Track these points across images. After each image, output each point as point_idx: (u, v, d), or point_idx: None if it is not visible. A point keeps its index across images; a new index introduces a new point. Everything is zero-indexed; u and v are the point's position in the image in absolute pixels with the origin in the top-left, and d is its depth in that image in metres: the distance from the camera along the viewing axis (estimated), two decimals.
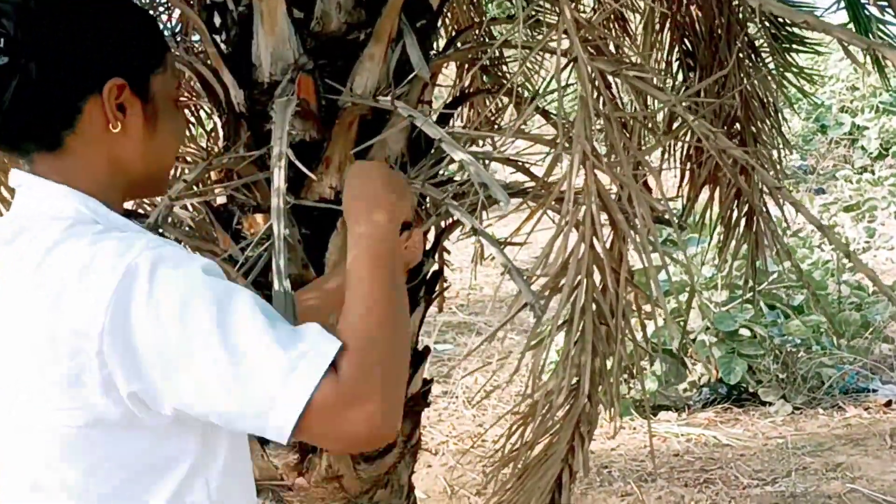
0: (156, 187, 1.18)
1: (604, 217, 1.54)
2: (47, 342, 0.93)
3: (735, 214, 2.72)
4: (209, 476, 1.02)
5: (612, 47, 2.51)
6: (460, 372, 4.75)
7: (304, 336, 0.91)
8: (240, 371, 0.88)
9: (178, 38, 2.08)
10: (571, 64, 1.49)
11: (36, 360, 0.94)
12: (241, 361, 0.88)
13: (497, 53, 2.36)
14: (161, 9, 2.58)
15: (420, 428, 2.12)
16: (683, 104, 1.71)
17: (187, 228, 1.85)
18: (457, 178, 1.89)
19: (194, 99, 2.21)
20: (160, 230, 1.43)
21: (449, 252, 2.43)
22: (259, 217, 1.75)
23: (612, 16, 2.55)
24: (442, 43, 2.14)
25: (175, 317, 0.89)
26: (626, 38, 2.76)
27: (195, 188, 1.61)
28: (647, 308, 1.85)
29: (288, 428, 0.87)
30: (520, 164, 1.79)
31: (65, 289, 0.92)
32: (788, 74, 2.76)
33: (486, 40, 1.92)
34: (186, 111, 2.60)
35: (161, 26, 1.19)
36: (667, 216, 1.67)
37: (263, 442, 1.91)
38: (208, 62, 1.79)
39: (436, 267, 2.10)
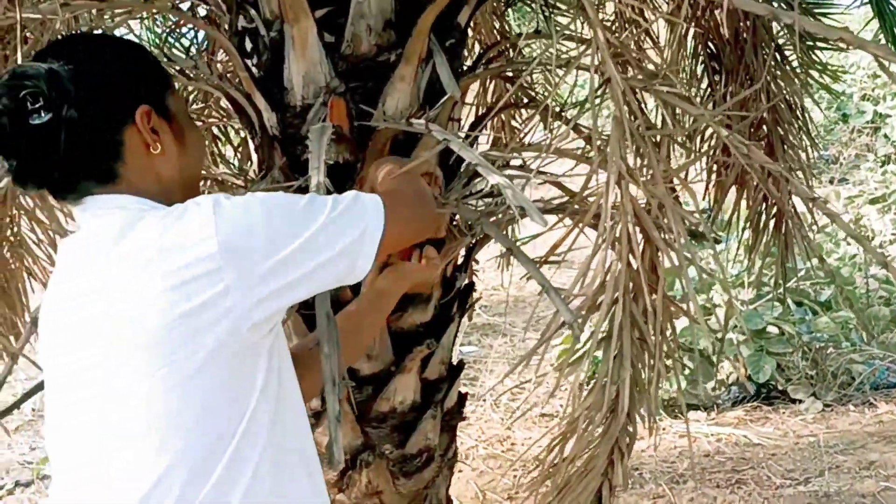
0: (192, 194, 1.26)
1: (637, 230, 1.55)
2: (160, 292, 1.02)
3: (763, 217, 2.71)
4: (269, 404, 1.12)
5: (636, 50, 2.52)
6: (487, 375, 4.76)
7: (355, 201, 1.18)
8: (332, 225, 1.12)
9: (207, 61, 2.11)
10: (599, 75, 1.50)
11: (147, 314, 1.02)
12: (332, 220, 1.12)
13: (523, 66, 2.36)
14: (185, 30, 2.61)
15: (456, 441, 2.14)
16: (713, 115, 1.71)
17: None
18: (480, 186, 1.91)
19: (225, 120, 2.23)
20: None
21: (477, 262, 2.45)
22: None
23: (634, 18, 2.55)
24: (468, 59, 2.16)
25: (265, 208, 1.08)
26: (649, 41, 2.76)
27: None
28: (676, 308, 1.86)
29: (375, 244, 1.16)
30: (553, 178, 1.80)
31: (162, 244, 1.03)
32: (813, 72, 2.75)
33: (514, 56, 1.92)
34: (215, 129, 2.64)
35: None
36: (701, 229, 1.67)
37: None
38: (241, 86, 1.81)
39: (467, 281, 2.11)
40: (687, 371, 4.16)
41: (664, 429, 4.10)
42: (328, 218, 1.12)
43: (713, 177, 2.75)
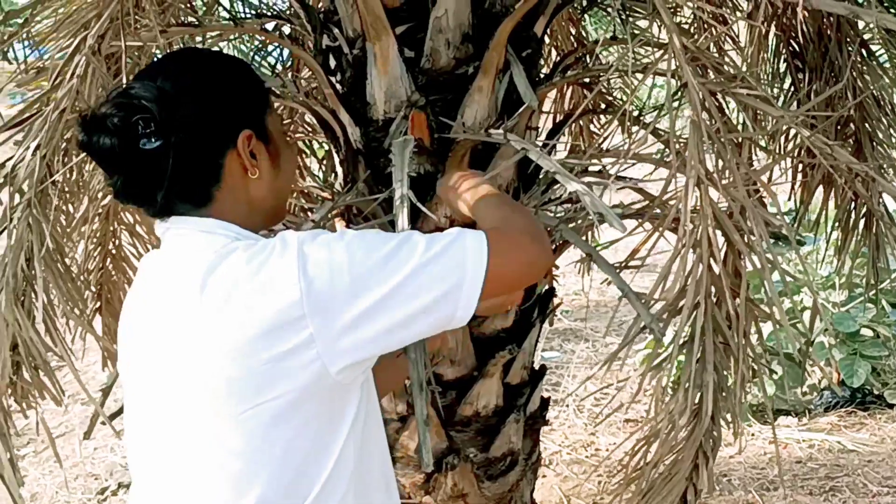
0: (280, 216, 1.30)
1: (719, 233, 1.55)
2: (247, 338, 1.03)
3: (852, 216, 2.64)
4: (358, 431, 1.13)
5: (714, 53, 2.49)
6: (569, 380, 4.75)
7: (448, 232, 1.11)
8: (425, 270, 1.05)
9: (293, 79, 2.20)
10: (676, 79, 1.50)
11: (231, 359, 1.04)
12: (425, 265, 1.05)
13: (600, 73, 2.37)
14: (270, 48, 2.72)
15: (539, 445, 2.16)
16: (796, 117, 1.69)
17: None
18: (559, 192, 1.93)
19: (310, 135, 2.31)
20: None
21: (557, 267, 2.46)
22: None
23: (713, 19, 2.52)
24: (545, 67, 2.18)
25: (350, 252, 1.04)
26: (730, 41, 2.72)
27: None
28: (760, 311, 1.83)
29: (477, 291, 1.07)
30: (632, 182, 1.81)
31: (248, 289, 1.03)
32: None
33: (591, 62, 1.94)
34: (301, 144, 2.73)
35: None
36: (784, 231, 1.65)
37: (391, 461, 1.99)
38: (325, 102, 1.88)
39: (547, 286, 2.13)
40: (776, 376, 4.06)
41: (753, 435, 4.01)
42: (419, 263, 1.05)
43: (798, 177, 2.69)
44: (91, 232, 2.33)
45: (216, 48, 2.41)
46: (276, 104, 2.62)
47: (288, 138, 2.79)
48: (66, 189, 1.96)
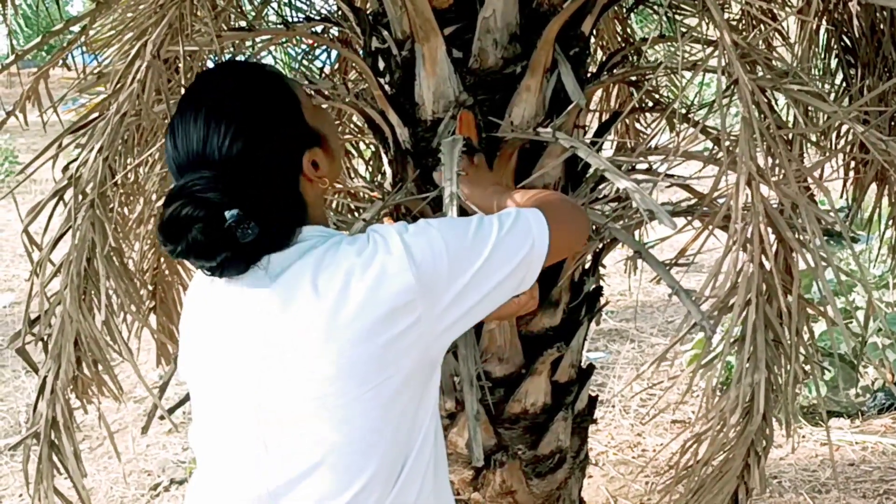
0: (336, 178, 1.37)
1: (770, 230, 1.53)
2: (368, 324, 1.08)
3: None
4: (435, 419, 1.20)
5: (764, 49, 2.46)
6: (615, 381, 4.72)
7: (518, 216, 1.20)
8: (503, 244, 1.16)
9: (342, 80, 2.23)
10: (726, 76, 1.50)
11: (353, 344, 1.08)
12: (502, 240, 1.16)
13: (648, 71, 2.36)
14: (319, 51, 2.76)
15: (587, 443, 2.16)
16: (848, 111, 1.67)
17: None
18: (606, 191, 1.93)
19: (359, 136, 2.35)
20: None
21: (605, 266, 2.46)
22: None
23: (764, 14, 2.50)
24: (592, 65, 2.18)
25: (444, 238, 1.13)
26: (780, 38, 2.69)
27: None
28: (813, 310, 1.81)
29: (543, 256, 1.19)
30: (682, 181, 1.80)
31: (364, 278, 1.09)
32: None
33: (638, 60, 1.94)
34: (348, 145, 2.77)
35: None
36: (838, 228, 1.63)
37: None
38: (374, 104, 1.91)
39: (595, 285, 2.13)
40: (828, 377, 3.99)
41: (804, 436, 3.95)
42: (498, 238, 1.15)
43: (851, 174, 2.65)
44: (146, 233, 2.39)
45: (234, 58, 2.39)
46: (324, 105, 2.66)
47: (316, 107, 2.82)
48: (123, 191, 2.02)
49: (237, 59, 2.27)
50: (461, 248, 1.13)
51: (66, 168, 1.73)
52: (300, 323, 1.10)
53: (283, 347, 1.11)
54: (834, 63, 2.61)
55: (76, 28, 2.10)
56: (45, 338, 1.73)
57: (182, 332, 1.26)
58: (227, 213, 1.06)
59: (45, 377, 1.71)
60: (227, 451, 1.19)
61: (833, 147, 2.34)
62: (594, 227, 1.93)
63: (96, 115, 1.76)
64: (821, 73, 2.58)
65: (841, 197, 2.73)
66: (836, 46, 2.53)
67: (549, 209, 1.25)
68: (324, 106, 2.71)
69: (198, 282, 1.26)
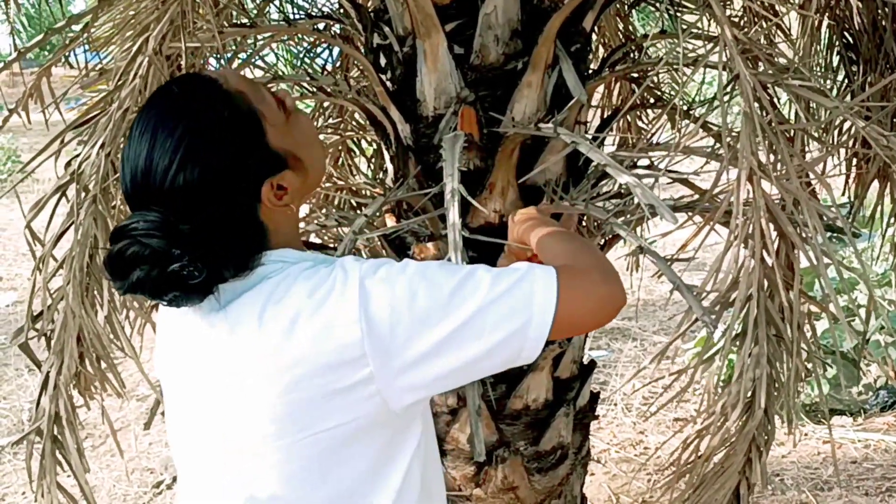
0: (318, 184, 1.23)
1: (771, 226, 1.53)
2: (309, 372, 1.01)
3: None
4: (418, 461, 1.11)
5: (766, 45, 2.46)
6: (617, 379, 4.72)
7: (516, 268, 1.05)
8: (490, 309, 1.00)
9: (344, 77, 2.23)
10: (727, 72, 1.50)
11: (289, 391, 1.02)
12: (493, 299, 1.00)
13: (649, 67, 2.36)
14: (321, 48, 2.76)
15: (589, 440, 2.17)
16: (849, 107, 1.67)
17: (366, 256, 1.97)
18: (607, 187, 1.92)
19: (360, 133, 2.35)
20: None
21: None
22: (431, 245, 1.85)
23: (765, 11, 2.50)
24: (594, 62, 2.18)
25: (412, 288, 1.00)
26: (781, 34, 2.69)
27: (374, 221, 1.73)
28: (816, 310, 1.81)
29: (545, 332, 1.01)
30: (683, 177, 1.80)
31: (309, 325, 1.00)
32: None
33: (639, 57, 1.94)
34: (350, 142, 2.77)
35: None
36: (838, 223, 1.63)
37: (441, 455, 2.01)
38: (376, 100, 1.91)
39: None
40: (830, 374, 3.99)
41: (807, 434, 3.95)
42: (484, 302, 1.00)
43: (853, 170, 2.65)
44: None
45: (236, 55, 2.37)
46: (324, 103, 2.62)
47: (334, 134, 2.83)
48: None
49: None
50: (431, 308, 0.99)
51: (68, 164, 1.74)
52: (246, 355, 1.04)
53: (240, 377, 1.06)
54: (836, 59, 2.61)
55: (78, 26, 2.11)
56: (48, 334, 1.73)
57: (157, 346, 1.22)
58: (173, 258, 0.99)
59: (48, 373, 1.72)
60: (198, 470, 1.16)
61: (838, 143, 2.34)
62: (596, 223, 1.93)
63: (98, 111, 1.76)
64: (823, 69, 2.58)
65: (843, 194, 2.73)
66: (837, 42, 2.53)
67: (571, 274, 1.06)
68: (325, 104, 2.72)
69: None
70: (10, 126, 2.09)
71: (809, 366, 1.71)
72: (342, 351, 0.99)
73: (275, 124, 1.09)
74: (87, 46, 2.16)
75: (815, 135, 2.06)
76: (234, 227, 1.05)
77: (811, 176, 1.72)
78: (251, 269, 1.06)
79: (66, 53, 2.14)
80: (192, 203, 1.02)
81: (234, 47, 2.24)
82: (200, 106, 1.05)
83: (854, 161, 2.61)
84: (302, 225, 2.05)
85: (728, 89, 1.56)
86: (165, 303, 1.04)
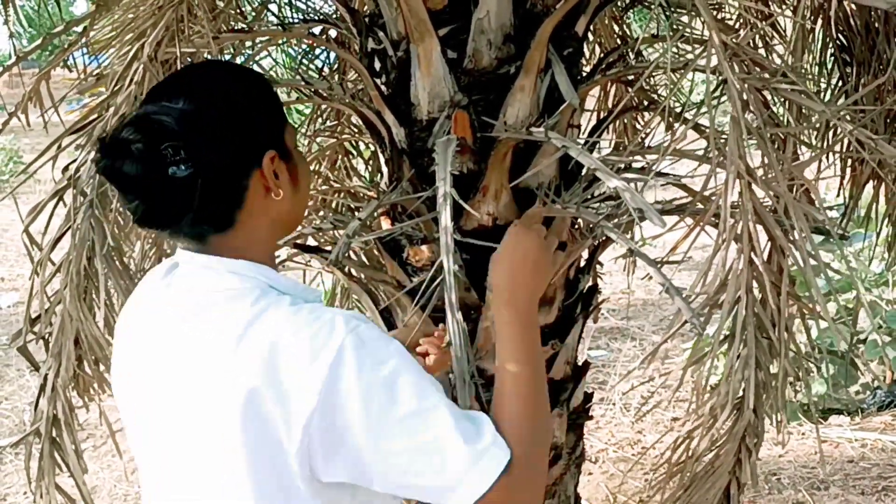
0: (297, 225, 1.26)
1: (760, 228, 1.55)
2: (253, 412, 1.01)
3: None
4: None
5: (757, 48, 2.48)
6: (616, 378, 4.74)
7: (483, 433, 1.06)
8: (433, 458, 1.02)
9: (340, 82, 2.25)
10: (716, 76, 1.52)
11: (232, 426, 1.02)
12: (435, 449, 1.02)
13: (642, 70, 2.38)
14: (319, 52, 2.78)
15: (583, 439, 2.18)
16: (841, 111, 1.68)
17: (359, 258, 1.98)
18: (601, 189, 1.94)
19: (357, 136, 2.37)
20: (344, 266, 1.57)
21: (602, 264, 2.48)
22: (425, 247, 1.87)
23: (759, 14, 2.51)
24: (588, 65, 2.20)
25: (378, 403, 1.00)
26: (776, 37, 2.70)
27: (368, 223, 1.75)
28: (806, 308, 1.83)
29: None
30: (675, 180, 1.82)
31: (272, 366, 1.01)
32: None
33: (632, 60, 1.96)
34: (347, 144, 2.79)
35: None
36: (828, 226, 1.65)
37: None
38: (371, 104, 1.93)
39: (591, 283, 2.15)
40: (826, 374, 4.00)
41: (803, 434, 3.97)
42: (423, 443, 1.01)
43: (848, 172, 2.66)
44: (147, 232, 2.41)
45: (234, 59, 2.42)
46: (322, 106, 2.65)
47: (331, 137, 2.86)
48: None
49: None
50: (380, 424, 1.00)
51: (65, 169, 1.76)
52: (213, 375, 1.05)
53: (200, 388, 1.07)
54: (830, 60, 2.62)
55: (77, 29, 2.13)
56: (46, 336, 1.75)
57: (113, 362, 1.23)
58: (164, 127, 1.02)
59: (46, 375, 1.74)
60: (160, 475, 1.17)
61: (829, 145, 2.36)
62: (589, 226, 1.94)
63: (95, 116, 1.78)
64: (817, 71, 2.59)
65: (838, 195, 2.75)
66: (831, 44, 2.54)
67: (518, 480, 1.05)
68: (322, 107, 2.74)
69: (137, 304, 1.20)
70: (12, 127, 2.12)
71: (803, 364, 1.72)
72: (295, 415, 1.00)
73: (290, 130, 1.17)
74: (85, 49, 2.18)
75: (806, 138, 2.07)
76: (227, 165, 1.07)
77: (804, 178, 1.74)
78: (204, 236, 1.09)
79: (65, 57, 2.17)
80: (206, 124, 1.06)
81: (230, 52, 2.26)
82: (242, 74, 1.16)
83: (849, 162, 2.63)
84: (298, 228, 2.07)
85: (718, 93, 1.58)
86: (134, 210, 1.06)
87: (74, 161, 1.74)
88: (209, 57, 2.21)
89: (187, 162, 1.03)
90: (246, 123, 1.10)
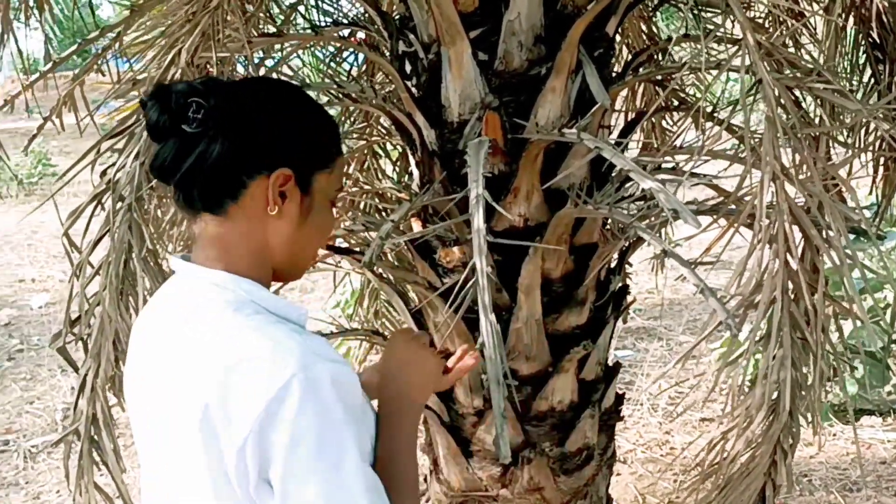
0: (295, 274, 1.23)
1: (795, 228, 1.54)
2: (207, 426, 1.05)
3: None
4: None
5: (790, 47, 2.46)
6: (643, 379, 4.72)
7: None
8: None
9: (370, 83, 2.26)
10: (750, 75, 1.51)
11: (193, 434, 1.06)
12: None
13: (673, 70, 2.37)
14: (347, 54, 2.80)
15: (614, 441, 2.18)
16: (873, 109, 1.67)
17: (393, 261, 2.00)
18: (632, 189, 1.94)
19: (386, 138, 2.38)
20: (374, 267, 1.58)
21: (631, 265, 2.48)
22: (456, 249, 1.88)
23: (789, 13, 2.49)
24: (617, 65, 2.19)
25: (305, 448, 1.02)
26: (806, 33, 2.68)
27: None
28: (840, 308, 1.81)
29: None
30: (708, 180, 1.81)
31: (224, 388, 1.04)
32: None
33: (663, 60, 1.95)
34: (376, 146, 2.80)
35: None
36: (863, 226, 1.63)
37: (468, 455, 2.04)
38: (401, 106, 1.94)
39: (621, 283, 2.15)
40: (858, 374, 3.96)
41: (835, 435, 3.92)
42: (341, 500, 1.03)
43: (880, 171, 2.63)
44: (179, 234, 2.44)
45: (263, 63, 2.41)
46: (350, 108, 2.64)
47: (360, 139, 2.86)
48: (158, 194, 2.07)
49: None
50: (299, 463, 1.02)
51: (103, 173, 1.79)
52: (190, 390, 1.08)
53: (174, 390, 1.11)
54: (863, 58, 2.60)
55: (112, 34, 2.16)
56: (85, 338, 1.78)
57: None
58: (196, 97, 1.07)
59: (86, 376, 1.77)
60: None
61: (862, 144, 2.33)
62: (620, 228, 1.94)
63: (132, 121, 1.81)
64: (849, 69, 2.57)
65: (870, 194, 2.72)
66: (863, 42, 2.52)
67: None
68: (351, 108, 2.75)
69: (147, 319, 1.24)
70: (42, 130, 2.15)
71: (835, 366, 1.71)
72: (233, 431, 1.03)
73: (331, 178, 1.17)
74: (119, 55, 2.21)
75: (840, 138, 2.06)
76: (236, 150, 1.09)
77: (836, 178, 1.72)
78: (195, 206, 1.11)
79: (98, 63, 2.20)
80: (246, 110, 1.10)
81: (261, 55, 2.28)
82: (310, 103, 1.19)
83: (881, 161, 2.60)
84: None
85: (751, 92, 1.57)
86: (153, 161, 1.10)
87: (113, 165, 1.76)
88: (243, 61, 2.23)
89: (201, 123, 1.07)
90: (276, 128, 1.12)
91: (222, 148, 1.08)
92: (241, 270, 1.13)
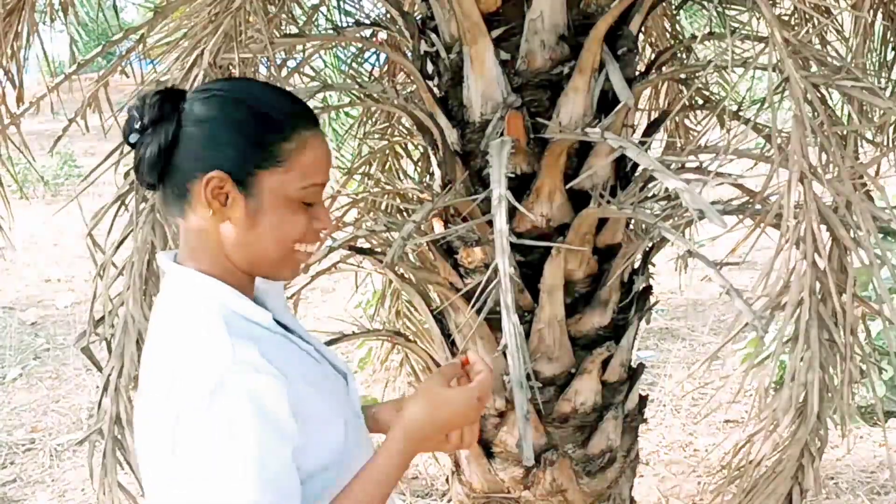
0: (274, 274, 1.18)
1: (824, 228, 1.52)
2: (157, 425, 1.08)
3: None
4: None
5: (817, 44, 2.43)
6: (665, 379, 4.68)
7: None
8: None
9: (392, 84, 2.26)
10: (777, 73, 1.48)
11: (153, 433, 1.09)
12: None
13: (697, 68, 2.34)
14: (369, 54, 2.80)
15: (637, 442, 2.16)
16: None
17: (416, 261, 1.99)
18: (655, 189, 1.91)
19: (407, 138, 2.37)
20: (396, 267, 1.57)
21: (654, 265, 2.45)
22: (478, 249, 1.87)
23: (816, 10, 2.46)
24: (640, 64, 2.17)
25: (199, 457, 1.01)
26: (834, 31, 2.64)
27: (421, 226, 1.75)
28: (869, 309, 1.78)
29: None
30: (733, 179, 1.79)
31: (169, 391, 1.05)
32: None
33: (686, 58, 1.93)
34: (397, 146, 2.79)
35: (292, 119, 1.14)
36: (892, 225, 1.60)
37: (490, 456, 2.03)
38: (423, 106, 1.93)
39: (644, 284, 2.13)
40: (886, 376, 3.90)
41: (862, 437, 3.87)
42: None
43: None
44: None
45: (285, 63, 2.39)
46: (371, 108, 2.63)
47: (381, 139, 2.85)
48: None
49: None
50: (191, 462, 1.02)
51: (127, 174, 1.80)
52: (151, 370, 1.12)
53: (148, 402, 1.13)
54: (890, 56, 2.56)
55: (135, 36, 2.17)
56: (109, 338, 1.79)
57: None
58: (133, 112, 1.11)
59: (109, 375, 1.78)
60: None
61: (891, 142, 2.30)
62: (644, 228, 1.92)
63: None
64: (877, 66, 2.53)
65: None
66: (892, 39, 2.48)
67: None
68: (372, 108, 2.75)
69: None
70: (67, 131, 2.17)
71: (864, 368, 1.68)
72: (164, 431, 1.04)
73: (287, 177, 1.11)
74: (142, 56, 2.22)
75: (868, 136, 2.03)
76: (184, 155, 1.09)
77: (865, 178, 1.69)
78: (157, 190, 1.13)
79: (122, 65, 2.21)
80: (190, 118, 1.10)
81: (283, 55, 2.28)
82: (254, 98, 1.14)
83: None
84: (350, 230, 2.08)
85: (778, 90, 1.54)
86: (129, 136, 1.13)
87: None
88: (265, 62, 2.24)
89: (140, 132, 1.11)
90: (203, 132, 1.10)
91: (150, 151, 1.09)
92: (208, 269, 1.12)
